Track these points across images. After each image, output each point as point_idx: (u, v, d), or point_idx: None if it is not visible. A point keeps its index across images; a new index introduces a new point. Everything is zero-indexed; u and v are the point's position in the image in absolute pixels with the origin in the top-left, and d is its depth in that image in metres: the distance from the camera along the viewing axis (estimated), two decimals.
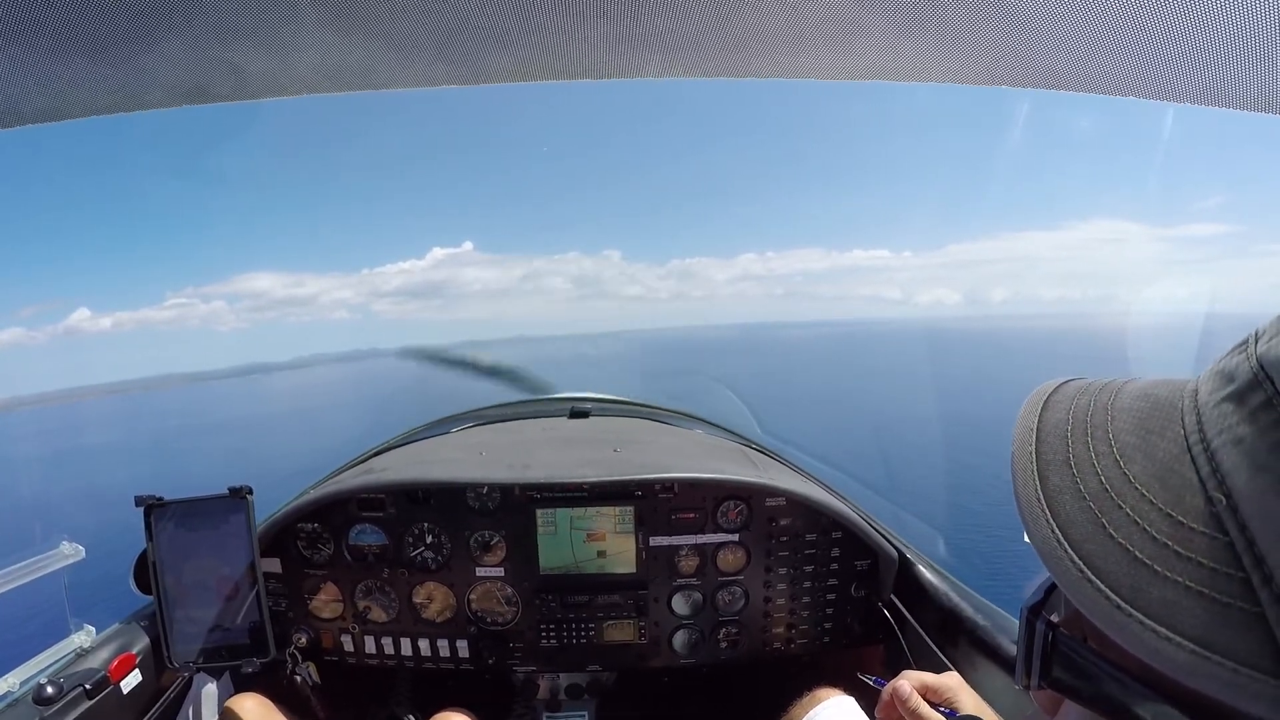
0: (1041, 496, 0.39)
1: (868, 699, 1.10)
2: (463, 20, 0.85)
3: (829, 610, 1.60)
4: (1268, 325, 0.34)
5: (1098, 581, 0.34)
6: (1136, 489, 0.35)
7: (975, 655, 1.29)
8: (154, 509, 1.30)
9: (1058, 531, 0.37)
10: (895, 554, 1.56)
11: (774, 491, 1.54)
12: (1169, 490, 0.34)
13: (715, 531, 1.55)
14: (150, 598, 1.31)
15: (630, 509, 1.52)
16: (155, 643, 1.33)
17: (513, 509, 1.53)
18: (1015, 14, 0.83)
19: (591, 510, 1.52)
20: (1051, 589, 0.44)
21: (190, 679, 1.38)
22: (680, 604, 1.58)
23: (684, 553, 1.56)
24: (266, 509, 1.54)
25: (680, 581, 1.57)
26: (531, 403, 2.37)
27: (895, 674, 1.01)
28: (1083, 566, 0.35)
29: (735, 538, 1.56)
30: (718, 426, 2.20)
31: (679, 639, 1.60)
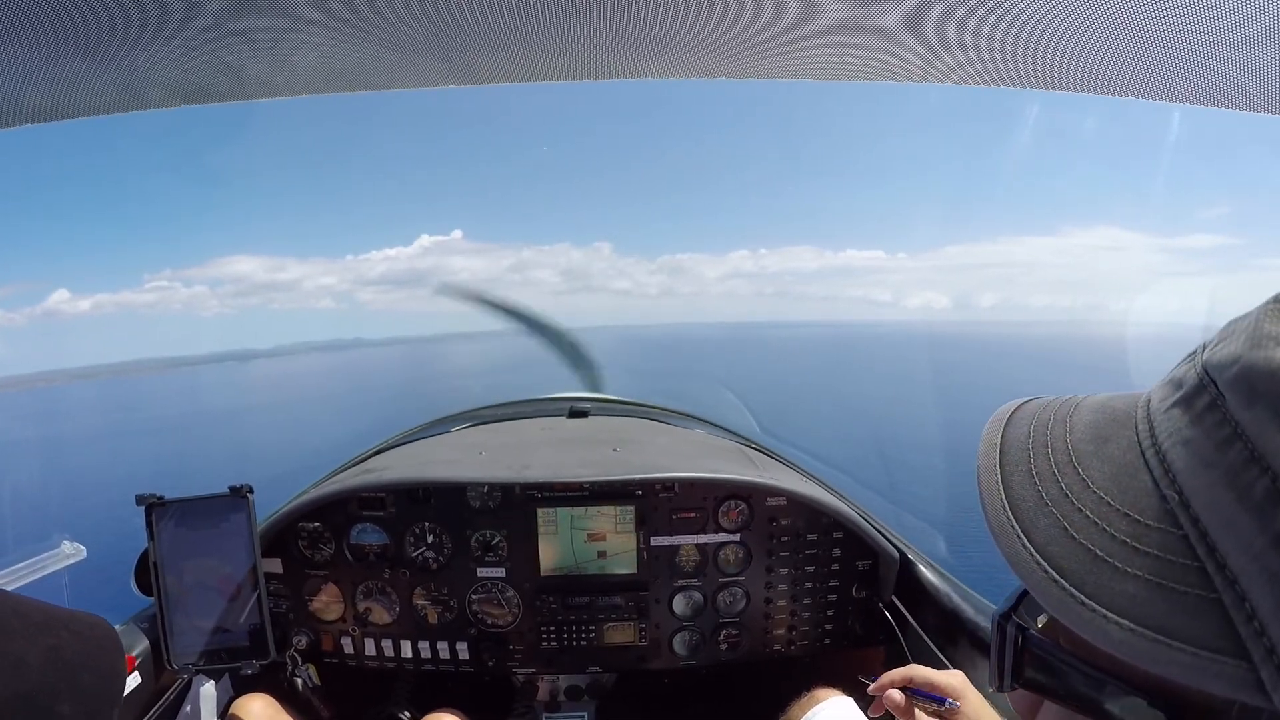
0: (1007, 506, 0.41)
1: (866, 699, 1.10)
2: (461, 22, 0.85)
3: (830, 612, 1.60)
4: (1215, 335, 0.36)
5: (1063, 581, 0.36)
6: (1095, 493, 0.38)
7: (977, 657, 1.29)
8: (155, 508, 1.30)
9: (1023, 537, 0.39)
10: (896, 554, 1.56)
11: (775, 491, 1.54)
12: (1126, 492, 0.37)
13: (716, 531, 1.55)
14: (151, 599, 1.31)
15: (631, 508, 1.52)
16: (155, 644, 1.33)
17: (514, 508, 1.53)
18: (1015, 14, 0.83)
19: (592, 510, 1.52)
20: (1022, 596, 0.46)
21: (189, 680, 1.38)
22: (681, 605, 1.58)
23: (685, 552, 1.56)
24: (264, 508, 1.54)
25: (681, 582, 1.57)
26: (530, 402, 2.37)
27: None
28: (1048, 568, 0.37)
29: (736, 538, 1.55)
30: (717, 426, 2.20)
31: (679, 641, 1.60)
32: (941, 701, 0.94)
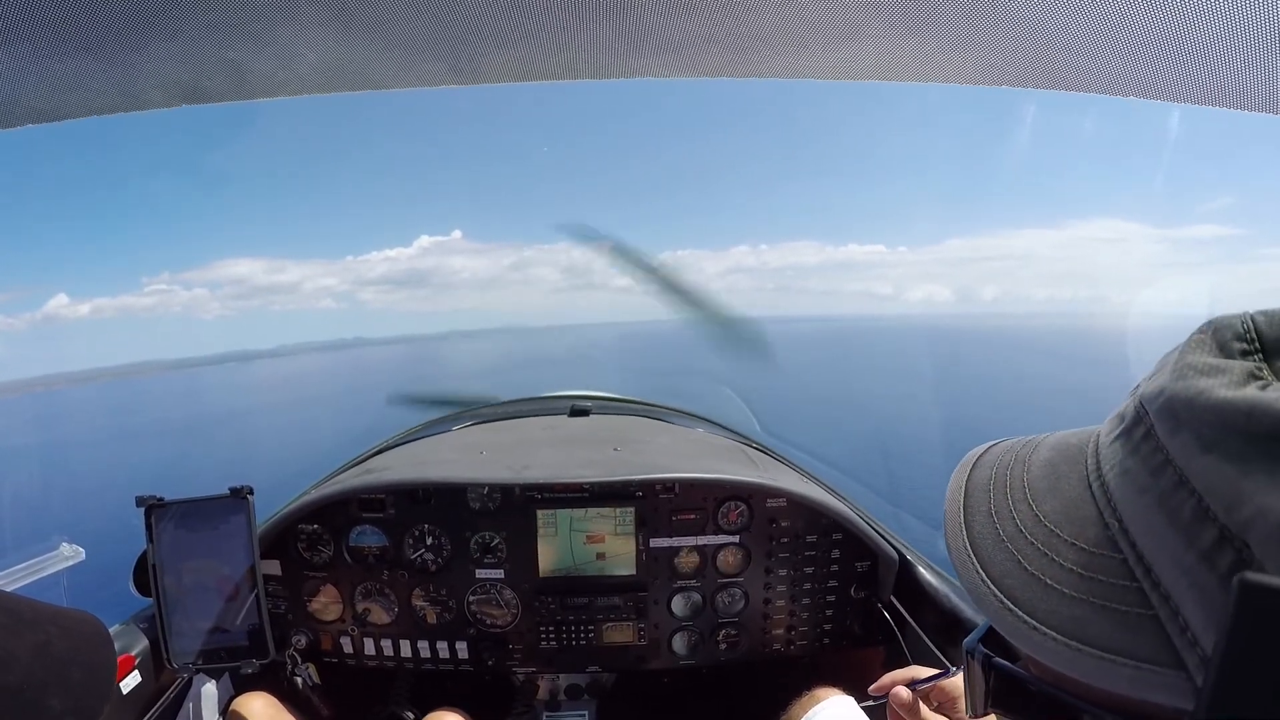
0: (968, 544, 0.45)
1: (867, 699, 1.10)
2: (462, 20, 0.85)
3: (829, 612, 1.60)
4: (1153, 368, 0.39)
5: (1016, 609, 0.40)
6: (1046, 526, 0.41)
7: None
8: (154, 509, 1.30)
9: (981, 572, 0.43)
10: (895, 555, 1.56)
11: (775, 492, 1.53)
12: (1074, 523, 0.40)
13: (716, 533, 1.55)
14: (150, 600, 1.31)
15: (631, 510, 1.52)
16: (154, 644, 1.33)
17: (514, 509, 1.53)
18: (1015, 14, 0.82)
19: (592, 512, 1.52)
20: (990, 628, 0.48)
21: (189, 680, 1.38)
22: (680, 606, 1.58)
23: (684, 554, 1.56)
24: (264, 509, 1.54)
25: (680, 583, 1.57)
26: (531, 400, 2.37)
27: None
28: (1003, 598, 0.41)
29: (735, 539, 1.55)
30: (718, 425, 2.20)
31: (678, 640, 1.60)
32: (945, 671, 0.94)
